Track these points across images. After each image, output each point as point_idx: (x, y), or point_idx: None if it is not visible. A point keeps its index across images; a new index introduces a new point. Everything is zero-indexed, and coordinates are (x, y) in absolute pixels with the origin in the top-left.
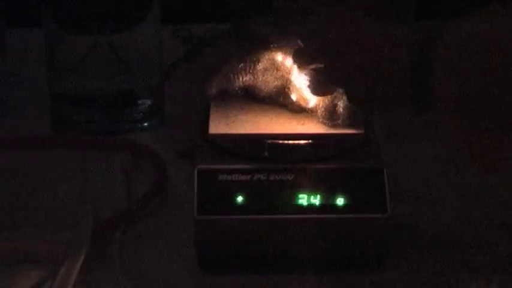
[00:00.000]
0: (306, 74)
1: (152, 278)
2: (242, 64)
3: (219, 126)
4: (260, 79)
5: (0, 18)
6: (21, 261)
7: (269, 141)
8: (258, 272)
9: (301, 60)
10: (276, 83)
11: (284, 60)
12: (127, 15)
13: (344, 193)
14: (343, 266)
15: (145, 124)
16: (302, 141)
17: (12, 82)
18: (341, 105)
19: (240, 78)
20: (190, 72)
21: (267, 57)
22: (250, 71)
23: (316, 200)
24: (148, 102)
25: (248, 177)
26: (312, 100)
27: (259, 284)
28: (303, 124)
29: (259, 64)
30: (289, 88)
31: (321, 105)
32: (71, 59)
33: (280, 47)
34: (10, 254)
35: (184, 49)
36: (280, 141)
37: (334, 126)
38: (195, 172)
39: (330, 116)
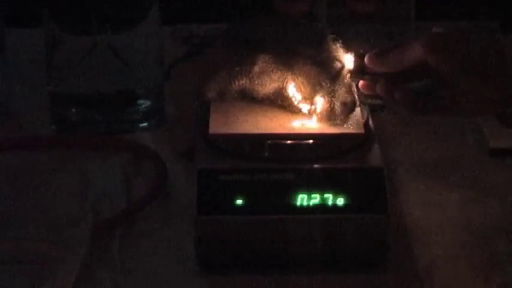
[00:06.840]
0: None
1: (152, 278)
2: (238, 67)
3: (219, 126)
4: (257, 82)
5: (0, 18)
6: (21, 261)
7: (269, 141)
8: (258, 272)
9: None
10: (272, 85)
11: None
12: (127, 15)
13: (344, 193)
14: (343, 266)
15: (145, 124)
16: (302, 141)
17: (12, 82)
18: (340, 105)
19: (237, 82)
20: (190, 73)
21: (263, 59)
22: (246, 74)
23: (316, 200)
24: (148, 102)
25: (248, 177)
26: (311, 101)
27: (259, 284)
28: (302, 124)
29: (255, 67)
30: (286, 90)
31: (320, 105)
32: (71, 59)
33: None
34: (10, 254)
35: (184, 49)
36: (280, 141)
37: (334, 126)
38: (196, 172)
39: (330, 116)
